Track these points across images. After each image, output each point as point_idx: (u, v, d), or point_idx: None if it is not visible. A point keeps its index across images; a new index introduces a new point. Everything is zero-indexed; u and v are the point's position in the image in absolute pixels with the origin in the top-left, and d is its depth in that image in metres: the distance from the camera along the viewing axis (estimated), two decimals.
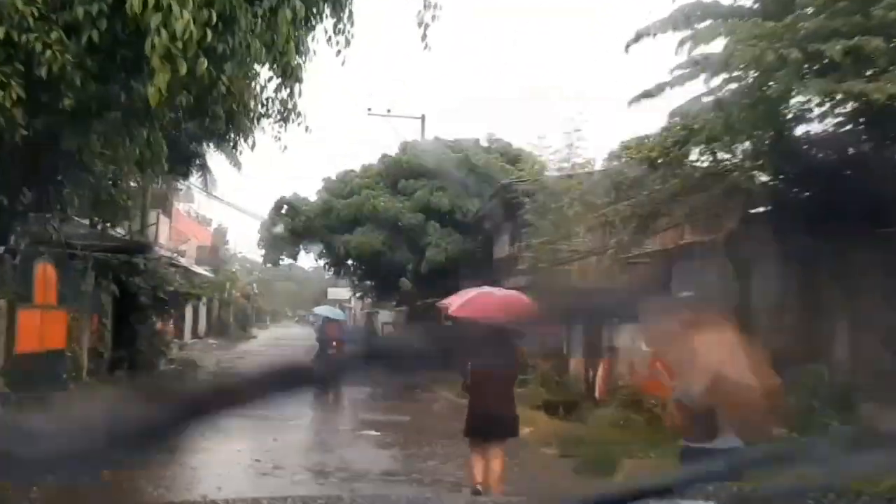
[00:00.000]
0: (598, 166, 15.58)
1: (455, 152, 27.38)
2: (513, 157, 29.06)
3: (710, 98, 7.20)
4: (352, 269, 31.09)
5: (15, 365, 10.91)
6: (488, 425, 6.85)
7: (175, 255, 24.65)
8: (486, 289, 7.90)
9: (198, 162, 18.78)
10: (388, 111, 32.02)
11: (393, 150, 29.43)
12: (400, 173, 27.69)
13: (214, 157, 27.41)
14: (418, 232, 26.41)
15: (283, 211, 29.33)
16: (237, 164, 34.08)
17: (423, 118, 32.71)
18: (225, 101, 8.46)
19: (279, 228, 28.70)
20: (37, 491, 4.07)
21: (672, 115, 8.32)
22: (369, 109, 32.27)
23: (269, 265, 30.13)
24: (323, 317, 25.92)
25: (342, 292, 68.30)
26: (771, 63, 6.25)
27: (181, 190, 38.97)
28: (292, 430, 10.02)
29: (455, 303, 7.70)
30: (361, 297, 37.51)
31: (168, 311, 16.70)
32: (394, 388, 17.28)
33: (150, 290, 15.73)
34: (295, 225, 28.34)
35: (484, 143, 30.26)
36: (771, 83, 6.63)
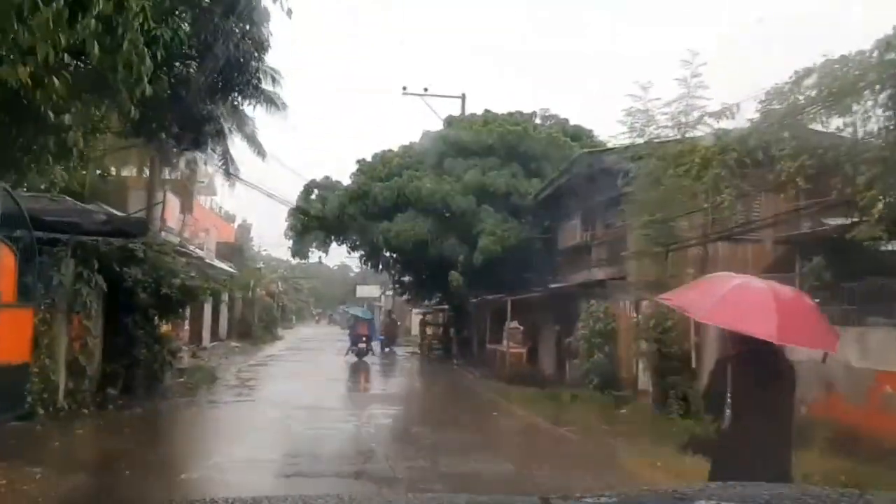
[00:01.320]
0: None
1: (510, 126, 23.69)
2: (572, 134, 25.43)
3: None
4: (390, 262, 27.50)
5: None
6: None
7: (186, 242, 21.30)
8: (744, 279, 4.10)
9: (212, 128, 15.33)
10: (426, 90, 28.58)
11: (434, 131, 25.90)
12: (446, 151, 24.08)
13: (237, 145, 24.36)
14: (469, 218, 22.78)
15: (314, 196, 25.87)
16: (262, 153, 30.84)
17: (463, 97, 29.17)
18: None
19: (308, 216, 25.19)
20: None
21: None
22: (404, 88, 28.89)
23: (297, 258, 26.64)
24: (354, 316, 29.31)
25: (371, 290, 65.07)
26: None
27: (203, 182, 36.31)
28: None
29: (696, 299, 4.09)
30: (400, 294, 33.74)
31: (175, 310, 13.22)
32: (461, 408, 13.76)
33: (152, 285, 12.24)
34: (326, 212, 24.82)
35: (537, 121, 26.66)
36: None
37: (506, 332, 17.89)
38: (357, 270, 79.88)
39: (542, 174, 23.10)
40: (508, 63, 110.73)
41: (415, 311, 47.91)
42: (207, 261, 26.03)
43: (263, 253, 67.39)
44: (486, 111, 25.02)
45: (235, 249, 42.55)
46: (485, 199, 22.85)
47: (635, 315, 14.30)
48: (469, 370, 21.05)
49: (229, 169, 31.91)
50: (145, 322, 12.35)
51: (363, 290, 67.84)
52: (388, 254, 26.31)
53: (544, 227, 22.63)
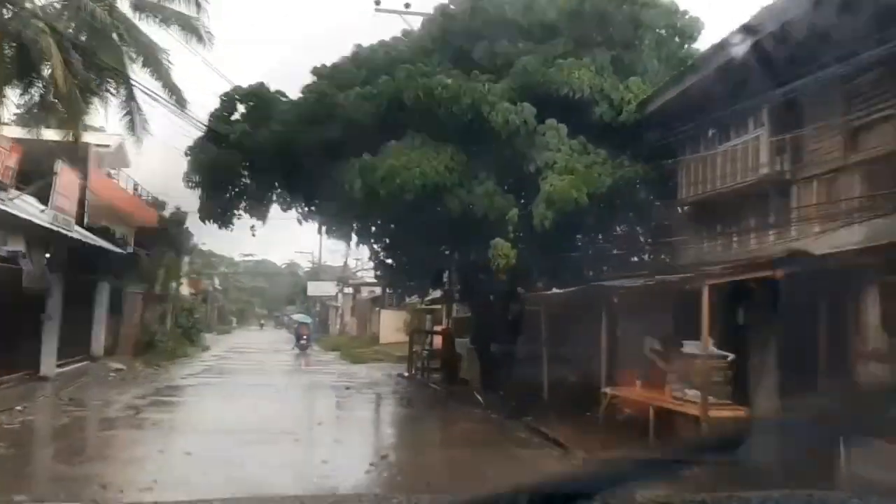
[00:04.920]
0: None
1: None
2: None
3: None
4: (372, 229, 16.67)
5: None
6: None
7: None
8: None
9: None
10: (407, 6, 18.52)
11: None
12: (476, 30, 13.71)
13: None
14: (523, 145, 12.41)
15: (238, 116, 15.10)
16: (181, 101, 21.17)
17: None
18: None
19: (228, 145, 14.40)
20: None
21: None
22: (377, 2, 19.14)
23: (212, 223, 15.51)
24: (297, 321, 39.46)
25: (326, 287, 54.00)
26: None
27: (108, 146, 26.65)
28: None
29: None
30: (387, 286, 22.95)
31: None
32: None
33: None
34: (260, 140, 14.10)
35: None
36: None
37: (680, 366, 7.45)
38: (307, 268, 68.44)
39: (643, 71, 13.00)
40: None
41: (384, 312, 37.29)
42: (53, 226, 15.16)
43: (203, 247, 56.48)
44: None
45: (160, 237, 32.82)
46: (549, 110, 12.52)
47: None
48: (542, 437, 10.54)
49: (135, 121, 22.35)
50: None
51: (315, 288, 56.84)
52: (369, 219, 15.64)
53: (658, 160, 12.38)
